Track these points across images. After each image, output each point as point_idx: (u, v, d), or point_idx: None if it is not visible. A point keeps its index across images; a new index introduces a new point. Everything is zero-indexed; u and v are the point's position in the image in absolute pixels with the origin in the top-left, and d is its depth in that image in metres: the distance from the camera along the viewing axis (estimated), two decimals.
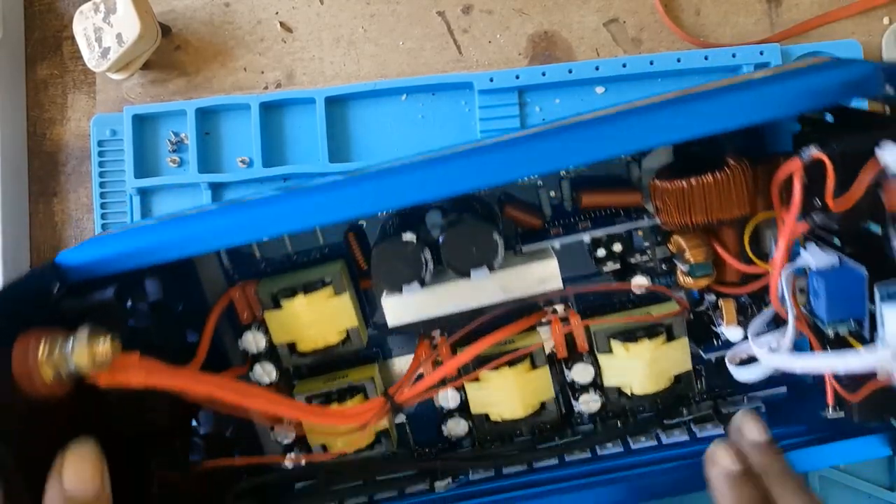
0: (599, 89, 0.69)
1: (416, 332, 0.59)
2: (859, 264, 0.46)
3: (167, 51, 0.72)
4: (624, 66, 0.67)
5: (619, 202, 0.57)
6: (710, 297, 0.59)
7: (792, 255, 0.49)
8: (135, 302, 0.50)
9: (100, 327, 0.40)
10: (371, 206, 0.44)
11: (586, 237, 0.57)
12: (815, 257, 0.47)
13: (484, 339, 0.54)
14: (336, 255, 0.59)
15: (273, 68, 0.72)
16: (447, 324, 0.55)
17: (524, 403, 0.57)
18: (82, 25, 0.68)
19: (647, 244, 0.59)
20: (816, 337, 0.51)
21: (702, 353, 0.59)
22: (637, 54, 0.69)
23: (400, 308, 0.53)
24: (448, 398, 0.58)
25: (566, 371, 0.58)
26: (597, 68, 0.67)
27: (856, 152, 0.42)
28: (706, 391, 0.62)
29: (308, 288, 0.54)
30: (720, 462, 0.47)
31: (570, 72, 0.67)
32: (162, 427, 0.51)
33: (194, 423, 0.57)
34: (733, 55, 0.66)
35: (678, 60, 0.67)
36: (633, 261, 0.59)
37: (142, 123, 0.70)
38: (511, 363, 0.56)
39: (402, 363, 0.61)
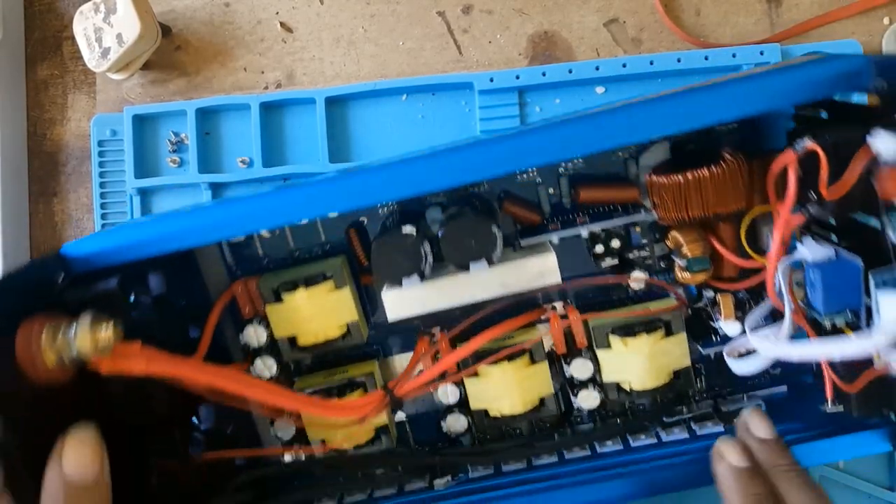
0: (599, 89, 0.70)
1: (416, 329, 0.61)
2: (855, 256, 0.48)
3: (167, 51, 0.74)
4: (624, 66, 0.69)
5: (617, 197, 0.59)
6: (709, 294, 0.60)
7: (789, 249, 0.50)
8: (138, 296, 0.52)
9: (102, 314, 0.42)
10: (375, 195, 0.47)
11: (584, 231, 0.59)
12: (811, 251, 0.49)
13: (483, 334, 0.56)
14: (337, 251, 0.61)
15: (273, 68, 0.73)
16: (447, 321, 0.57)
17: (523, 399, 0.59)
18: (82, 25, 0.69)
19: (644, 241, 0.61)
20: (814, 329, 0.52)
21: (700, 348, 0.61)
22: (637, 54, 0.71)
23: (400, 302, 0.55)
24: (447, 393, 0.60)
25: (565, 366, 0.60)
26: (597, 68, 0.69)
27: (848, 142, 0.43)
28: (706, 390, 0.64)
29: (309, 281, 0.56)
30: (728, 458, 0.48)
31: (570, 72, 0.69)
32: (162, 417, 0.52)
33: (195, 420, 0.59)
34: (733, 55, 0.68)
35: (678, 60, 0.68)
36: (630, 256, 0.60)
37: (142, 123, 0.72)
38: (510, 358, 0.58)
39: (401, 361, 0.63)
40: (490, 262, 0.53)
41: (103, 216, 0.72)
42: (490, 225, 0.52)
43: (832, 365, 0.52)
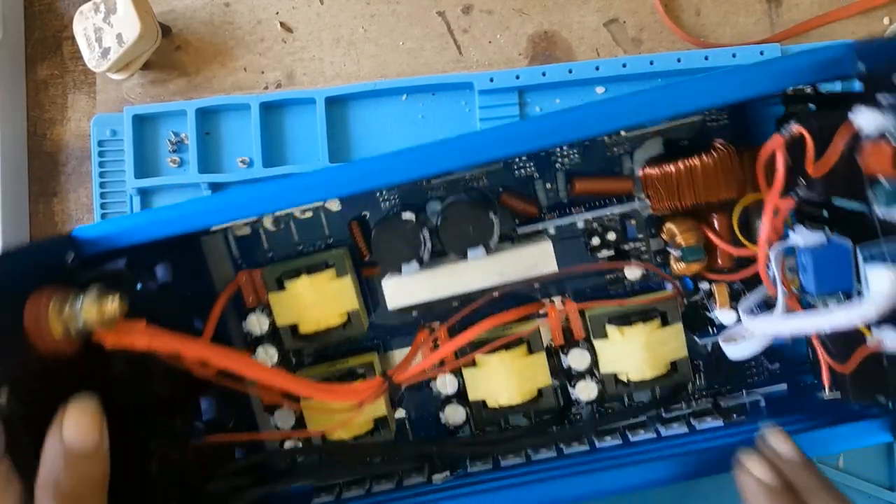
0: (599, 89, 0.74)
1: (416, 324, 0.65)
2: (845, 239, 0.51)
3: (167, 51, 0.78)
4: (624, 66, 0.72)
5: (612, 189, 0.63)
6: (704, 287, 0.64)
7: (782, 237, 0.54)
8: (145, 282, 0.56)
9: (109, 289, 0.46)
10: (373, 180, 0.51)
11: (580, 221, 0.63)
12: (803, 237, 0.53)
13: (481, 323, 0.60)
14: (340, 246, 0.65)
15: (273, 68, 0.77)
16: (445, 316, 0.61)
17: (521, 389, 0.62)
18: (82, 25, 0.73)
19: (640, 235, 0.65)
20: None
21: (697, 339, 0.64)
22: (637, 54, 0.74)
23: (399, 290, 0.59)
24: (446, 383, 0.64)
25: (563, 357, 0.63)
26: (597, 68, 0.72)
27: (833, 125, 0.47)
28: (705, 388, 0.67)
29: (311, 269, 0.61)
30: (756, 473, 0.50)
31: (570, 72, 0.72)
32: (164, 399, 0.56)
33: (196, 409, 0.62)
34: (733, 55, 0.71)
35: (678, 60, 0.72)
36: (626, 248, 0.65)
37: (142, 123, 0.76)
38: (507, 347, 0.62)
39: (401, 356, 0.67)
40: (487, 250, 0.57)
41: (103, 216, 0.75)
42: (487, 211, 0.57)
43: (825, 345, 0.55)
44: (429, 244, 0.57)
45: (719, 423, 0.64)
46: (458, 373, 0.64)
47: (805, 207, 0.57)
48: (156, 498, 0.54)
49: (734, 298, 0.62)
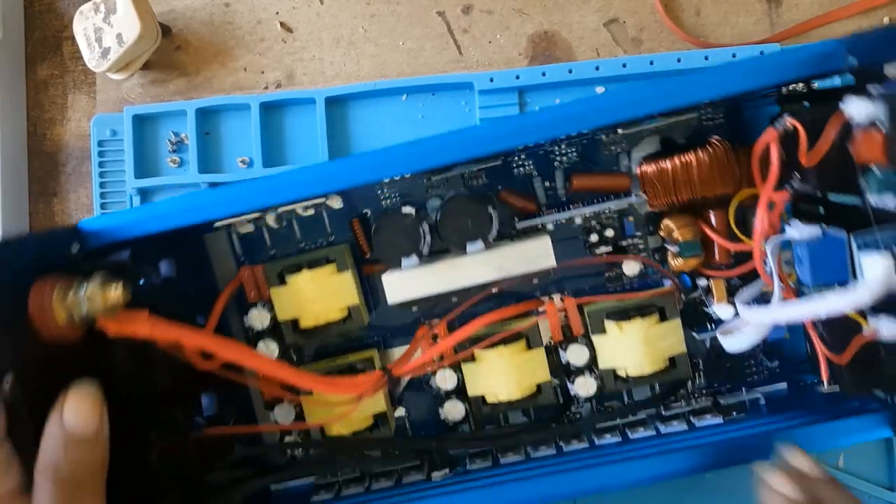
0: (599, 89, 0.76)
1: (416, 321, 0.67)
2: (840, 230, 0.53)
3: (167, 51, 0.80)
4: (624, 66, 0.74)
5: (609, 185, 0.65)
6: (702, 283, 0.66)
7: (779, 232, 0.56)
8: (148, 276, 0.58)
9: (113, 277, 0.48)
10: (371, 173, 0.53)
11: (579, 218, 0.66)
12: (798, 231, 0.55)
13: (481, 318, 0.62)
14: (342, 243, 0.67)
15: (273, 68, 0.79)
16: (445, 312, 0.63)
17: (520, 385, 0.64)
18: (82, 25, 0.74)
19: (638, 232, 0.67)
20: None
21: (695, 334, 0.66)
22: (637, 54, 0.76)
23: (399, 285, 0.61)
24: (445, 379, 0.65)
25: (561, 352, 0.65)
26: (597, 68, 0.74)
27: (825, 118, 0.50)
28: (705, 386, 0.69)
29: (312, 264, 0.63)
30: (782, 490, 0.51)
31: (570, 72, 0.74)
32: (165, 390, 0.58)
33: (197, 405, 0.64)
34: (733, 55, 0.73)
35: (678, 60, 0.73)
36: (624, 244, 0.67)
37: (142, 123, 0.78)
38: (506, 342, 0.63)
39: (401, 353, 0.68)
40: (486, 244, 0.59)
41: None
42: (486, 205, 0.59)
43: (822, 337, 0.57)
44: (428, 238, 0.60)
45: (719, 420, 0.65)
46: (457, 368, 0.65)
47: (801, 204, 0.59)
48: (155, 488, 0.56)
49: (731, 293, 0.64)
